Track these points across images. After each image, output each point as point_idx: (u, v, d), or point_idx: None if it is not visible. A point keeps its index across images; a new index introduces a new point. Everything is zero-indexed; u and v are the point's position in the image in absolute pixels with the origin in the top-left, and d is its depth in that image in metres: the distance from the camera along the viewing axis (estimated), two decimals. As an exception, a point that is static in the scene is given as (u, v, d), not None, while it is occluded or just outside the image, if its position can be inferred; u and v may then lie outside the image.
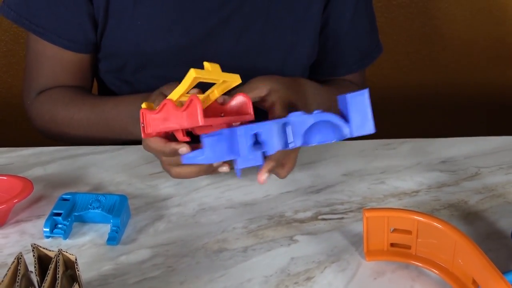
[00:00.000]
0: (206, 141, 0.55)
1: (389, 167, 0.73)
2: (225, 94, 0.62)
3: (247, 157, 0.56)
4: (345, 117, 0.57)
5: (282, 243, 0.60)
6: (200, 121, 0.55)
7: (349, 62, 0.89)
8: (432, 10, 1.50)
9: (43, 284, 0.45)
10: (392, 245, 0.58)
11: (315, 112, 0.58)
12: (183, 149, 0.58)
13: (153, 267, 0.56)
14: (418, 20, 1.50)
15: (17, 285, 0.45)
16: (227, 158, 0.56)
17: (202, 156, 0.55)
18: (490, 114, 1.51)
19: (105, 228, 0.61)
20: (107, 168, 0.72)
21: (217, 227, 0.62)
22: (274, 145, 0.55)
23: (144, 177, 0.70)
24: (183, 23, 0.79)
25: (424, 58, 1.53)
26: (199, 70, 0.56)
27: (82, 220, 0.62)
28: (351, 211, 0.65)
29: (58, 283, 0.45)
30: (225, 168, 0.61)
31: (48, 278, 0.45)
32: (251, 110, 0.62)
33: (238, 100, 0.62)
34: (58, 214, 0.60)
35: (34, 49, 0.83)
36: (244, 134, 0.54)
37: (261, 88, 0.66)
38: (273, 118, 0.64)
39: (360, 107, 0.56)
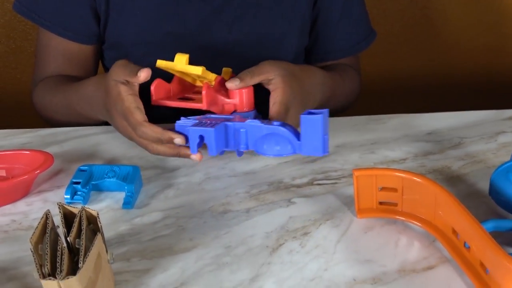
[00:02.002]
0: (176, 125, 0.68)
1: (379, 139, 0.79)
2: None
3: (195, 150, 0.65)
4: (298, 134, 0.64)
5: (281, 205, 0.66)
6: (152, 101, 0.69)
7: (345, 46, 0.95)
8: (423, 0, 1.56)
9: (70, 234, 0.51)
10: (380, 203, 0.64)
11: (275, 123, 0.64)
12: (178, 139, 0.65)
13: (165, 226, 0.62)
14: (409, 10, 1.56)
15: (47, 236, 0.51)
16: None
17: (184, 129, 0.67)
18: (476, 97, 1.57)
19: (120, 196, 0.68)
20: (119, 144, 0.78)
21: (222, 193, 0.68)
22: (213, 148, 0.64)
23: (154, 152, 0.76)
24: (178, 12, 0.85)
25: (417, 47, 1.59)
26: (160, 62, 0.68)
27: (99, 189, 0.68)
28: (343, 177, 0.71)
29: (83, 233, 0.51)
30: (194, 157, 0.67)
31: (74, 229, 0.51)
32: (204, 100, 0.68)
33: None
34: (77, 183, 0.66)
35: (41, 41, 0.90)
36: (192, 134, 0.64)
37: (269, 71, 0.72)
38: (274, 101, 0.70)
39: (312, 129, 0.62)
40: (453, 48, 1.60)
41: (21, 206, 0.66)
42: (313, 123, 0.61)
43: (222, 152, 0.73)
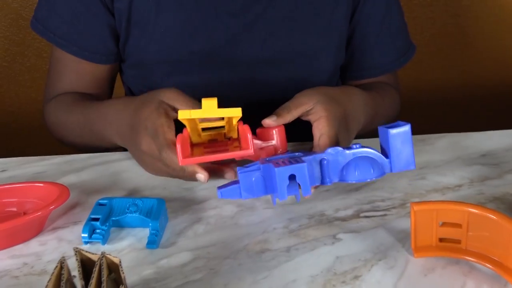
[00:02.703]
0: (240, 176, 0.58)
1: (428, 163, 0.71)
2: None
3: (284, 194, 0.57)
4: (384, 152, 0.58)
5: (326, 242, 0.58)
6: (180, 161, 0.58)
7: (384, 62, 0.88)
8: (454, 8, 1.48)
9: (88, 288, 0.44)
10: (440, 240, 0.56)
11: (354, 146, 0.58)
12: (202, 176, 0.60)
13: (195, 270, 0.55)
14: (440, 19, 1.48)
15: (62, 290, 0.44)
16: (263, 195, 0.59)
17: (238, 191, 0.59)
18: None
19: (143, 233, 0.60)
20: (141, 173, 0.71)
21: (257, 228, 0.61)
22: (308, 186, 0.56)
23: (179, 181, 0.69)
24: (205, 29, 0.78)
25: (448, 56, 1.51)
26: (187, 112, 0.57)
27: (120, 225, 0.61)
28: (393, 208, 0.63)
29: (103, 286, 0.44)
30: (201, 176, 0.62)
31: (93, 281, 0.44)
32: (251, 144, 0.60)
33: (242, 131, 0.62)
34: (96, 219, 0.59)
35: (55, 56, 0.84)
36: (281, 175, 0.56)
37: (307, 102, 0.65)
38: (320, 133, 0.63)
39: (401, 142, 0.58)
40: (486, 58, 1.51)
41: (33, 246, 0.59)
42: (403, 136, 0.57)
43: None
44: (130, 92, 0.89)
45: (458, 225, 0.54)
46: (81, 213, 0.64)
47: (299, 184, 0.57)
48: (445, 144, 0.75)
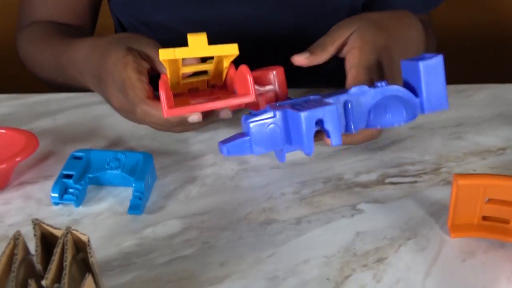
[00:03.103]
0: (253, 127, 0.47)
1: (465, 119, 0.60)
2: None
3: (311, 145, 0.46)
4: (413, 90, 0.47)
5: (344, 214, 0.48)
6: (165, 112, 0.47)
7: (416, 1, 0.74)
8: None
9: (45, 275, 0.34)
10: (484, 218, 0.46)
11: (380, 84, 0.47)
12: (194, 117, 0.48)
13: (186, 243, 0.46)
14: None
15: (13, 276, 0.34)
16: (281, 148, 0.49)
17: (248, 146, 0.48)
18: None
19: (126, 192, 0.51)
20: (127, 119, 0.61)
21: (262, 193, 0.51)
22: (339, 132, 0.46)
23: (171, 130, 0.59)
24: None
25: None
26: (170, 51, 0.45)
27: (98, 183, 0.51)
28: (425, 173, 0.53)
29: (65, 273, 0.34)
30: (195, 117, 0.50)
31: (52, 267, 0.35)
32: (251, 89, 0.49)
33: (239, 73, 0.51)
34: (69, 176, 0.49)
35: None
36: (308, 120, 0.45)
37: (344, 33, 0.52)
38: (350, 65, 0.51)
39: (433, 77, 0.47)
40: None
41: (-5, 204, 0.50)
42: (434, 69, 0.47)
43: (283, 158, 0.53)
44: (120, 25, 0.77)
45: (509, 203, 0.44)
46: (55, 166, 0.54)
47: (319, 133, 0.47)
48: (485, 97, 0.64)
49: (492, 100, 0.63)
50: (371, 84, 0.49)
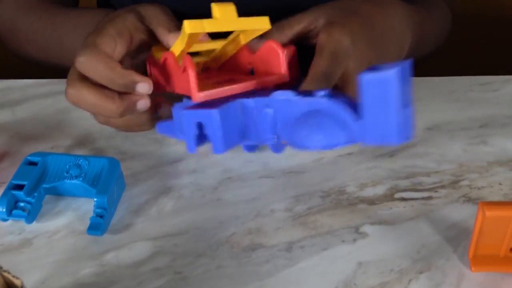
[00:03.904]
0: (175, 113, 0.42)
1: (491, 118, 0.52)
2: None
3: (193, 146, 0.40)
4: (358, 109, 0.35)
5: (344, 238, 0.41)
6: (194, 96, 0.39)
7: None
8: None
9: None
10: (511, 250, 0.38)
11: (319, 93, 0.37)
12: (145, 84, 0.40)
13: (154, 272, 0.38)
14: None
15: None
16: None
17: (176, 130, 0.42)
18: None
19: (89, 205, 0.43)
20: (97, 112, 0.53)
21: (249, 209, 0.43)
22: (218, 141, 0.38)
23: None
24: None
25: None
26: (198, 23, 0.36)
27: (56, 193, 0.44)
28: (441, 187, 0.45)
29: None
30: (146, 85, 0.40)
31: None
32: (283, 67, 0.41)
33: (266, 49, 0.42)
34: (20, 187, 0.42)
35: None
36: (188, 121, 0.39)
37: (308, 18, 0.44)
38: (315, 53, 0.43)
39: (380, 97, 0.33)
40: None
41: None
42: (381, 87, 0.33)
43: (250, 148, 0.46)
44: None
45: (546, 235, 0.36)
46: (9, 170, 0.46)
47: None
48: (513, 91, 0.55)
49: (522, 95, 0.55)
50: (336, 74, 0.41)
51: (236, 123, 0.39)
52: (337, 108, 0.36)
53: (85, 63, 0.39)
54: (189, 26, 0.37)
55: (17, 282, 0.30)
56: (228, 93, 0.40)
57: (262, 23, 0.41)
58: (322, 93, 0.37)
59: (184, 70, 0.39)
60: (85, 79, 0.40)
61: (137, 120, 0.43)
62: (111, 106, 0.39)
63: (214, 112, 0.37)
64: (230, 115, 0.39)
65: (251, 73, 0.44)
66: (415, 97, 0.53)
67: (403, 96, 0.33)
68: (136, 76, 0.39)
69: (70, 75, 0.41)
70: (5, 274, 0.30)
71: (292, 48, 0.44)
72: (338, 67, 0.42)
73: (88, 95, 0.40)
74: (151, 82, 0.40)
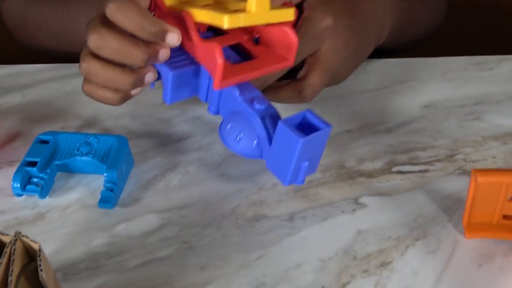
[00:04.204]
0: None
1: (485, 96, 0.54)
2: None
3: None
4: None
5: (344, 209, 0.43)
6: (216, 83, 0.39)
7: None
8: None
9: (-14, 292, 0.29)
10: (505, 217, 0.40)
11: (257, 105, 0.40)
12: (174, 35, 0.39)
13: (163, 242, 0.40)
14: None
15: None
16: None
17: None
18: None
19: (99, 181, 0.45)
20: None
21: (252, 182, 0.45)
22: (168, 93, 0.41)
23: (153, 108, 0.53)
24: None
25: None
26: (236, 18, 0.37)
27: (67, 170, 0.46)
28: (437, 160, 0.47)
29: (11, 285, 0.29)
30: (175, 36, 0.40)
31: (-5, 281, 0.29)
32: (292, 55, 0.41)
33: (281, 32, 0.42)
34: (33, 163, 0.44)
35: None
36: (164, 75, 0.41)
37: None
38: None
39: (285, 146, 0.38)
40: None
41: (-49, 194, 0.44)
42: (289, 141, 0.37)
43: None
44: None
45: (536, 201, 0.38)
46: (21, 149, 0.48)
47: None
48: (508, 70, 0.57)
49: (516, 74, 0.57)
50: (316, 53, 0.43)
51: (189, 83, 0.41)
52: (261, 127, 0.39)
53: (117, 9, 0.38)
54: (228, 21, 0.37)
55: (35, 246, 0.31)
56: (245, 79, 0.41)
57: (287, 15, 0.40)
58: (259, 106, 0.40)
59: (210, 49, 0.39)
60: (109, 25, 0.39)
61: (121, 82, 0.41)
62: (136, 52, 0.39)
63: (170, 74, 0.40)
64: (185, 77, 0.40)
65: (255, 41, 0.43)
66: (412, 76, 0.56)
67: (307, 154, 0.38)
68: (167, 26, 0.39)
69: (93, 22, 0.40)
70: (24, 238, 0.32)
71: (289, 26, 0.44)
72: (309, 47, 0.44)
73: (113, 40, 0.38)
74: (180, 34, 0.40)
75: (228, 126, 0.41)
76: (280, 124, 0.37)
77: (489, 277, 0.38)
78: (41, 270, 0.30)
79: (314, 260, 0.39)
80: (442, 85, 0.55)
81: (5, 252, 0.31)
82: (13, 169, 0.46)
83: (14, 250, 0.31)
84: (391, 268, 0.38)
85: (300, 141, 0.36)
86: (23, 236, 0.32)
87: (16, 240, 0.31)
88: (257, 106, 0.39)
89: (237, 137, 0.40)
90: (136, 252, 0.39)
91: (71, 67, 0.58)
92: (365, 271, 0.38)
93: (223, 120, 0.42)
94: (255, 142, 0.40)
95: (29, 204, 0.43)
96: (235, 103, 0.40)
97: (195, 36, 0.40)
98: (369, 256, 0.39)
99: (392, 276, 0.38)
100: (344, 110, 0.52)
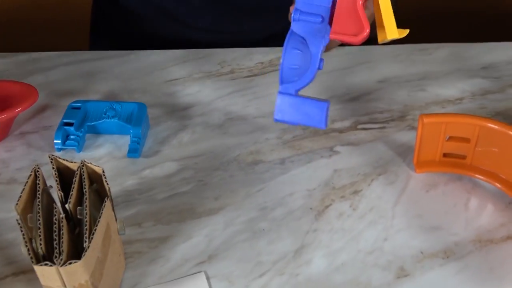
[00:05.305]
0: None
1: (427, 73, 0.67)
2: None
3: None
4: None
5: (323, 154, 0.54)
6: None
7: None
8: None
9: (68, 200, 0.39)
10: (445, 155, 0.52)
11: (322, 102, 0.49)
12: None
13: (183, 181, 0.50)
14: None
15: (38, 202, 0.38)
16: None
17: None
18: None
19: (122, 140, 0.55)
20: (117, 74, 0.64)
21: (248, 138, 0.56)
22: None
23: (160, 85, 0.63)
24: None
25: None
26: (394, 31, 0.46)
27: (96, 131, 0.55)
28: (392, 120, 0.59)
29: (86, 198, 0.39)
30: None
31: (74, 193, 0.39)
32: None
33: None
34: (70, 124, 0.53)
35: None
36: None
37: None
38: None
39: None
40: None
41: (-1, 151, 0.53)
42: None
43: None
44: None
45: (466, 140, 0.51)
46: (52, 117, 0.57)
47: None
48: (445, 54, 0.71)
49: (451, 57, 0.70)
50: None
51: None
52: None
53: None
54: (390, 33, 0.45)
55: (98, 169, 0.41)
56: None
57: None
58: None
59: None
60: None
61: None
62: None
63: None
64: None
65: None
66: (370, 59, 0.68)
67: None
68: None
69: None
70: (88, 164, 0.41)
71: None
72: None
73: None
74: None
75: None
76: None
77: (434, 199, 0.50)
78: (107, 184, 0.40)
79: (302, 190, 0.50)
80: (393, 66, 0.68)
81: (77, 174, 0.41)
82: (48, 132, 0.55)
83: (83, 172, 0.41)
84: (361, 195, 0.50)
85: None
86: (88, 162, 0.41)
87: (83, 165, 0.41)
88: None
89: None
90: (162, 188, 0.50)
91: (84, 54, 0.68)
92: (342, 196, 0.50)
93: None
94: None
95: (67, 157, 0.52)
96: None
97: None
98: (344, 187, 0.51)
99: (362, 200, 0.49)
100: (319, 85, 0.63)
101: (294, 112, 0.49)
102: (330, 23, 0.47)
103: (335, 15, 0.46)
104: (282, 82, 0.49)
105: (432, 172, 0.52)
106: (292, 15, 0.47)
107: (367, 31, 0.45)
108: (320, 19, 0.47)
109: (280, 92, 0.49)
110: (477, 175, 0.51)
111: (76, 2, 1.06)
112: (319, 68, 0.48)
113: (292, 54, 0.49)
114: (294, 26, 0.48)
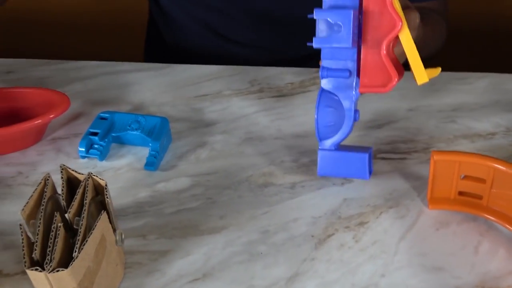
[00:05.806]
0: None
1: (462, 105, 0.65)
2: None
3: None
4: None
5: (335, 182, 0.54)
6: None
7: None
8: None
9: (68, 210, 0.41)
10: (460, 193, 0.51)
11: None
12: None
13: (192, 197, 0.52)
14: None
15: (42, 209, 0.41)
16: None
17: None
18: None
19: (144, 152, 0.57)
20: (150, 87, 0.67)
21: (264, 159, 0.57)
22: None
23: (189, 99, 0.65)
24: None
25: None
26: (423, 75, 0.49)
27: (120, 142, 0.58)
28: (415, 151, 0.58)
29: (85, 209, 0.41)
30: None
31: (75, 203, 0.42)
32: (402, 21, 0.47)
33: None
34: (95, 134, 0.56)
35: None
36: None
37: None
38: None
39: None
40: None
41: (31, 154, 0.57)
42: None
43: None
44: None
45: (482, 180, 0.49)
46: (84, 125, 0.61)
47: None
48: (485, 85, 0.68)
49: (491, 88, 0.67)
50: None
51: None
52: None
53: None
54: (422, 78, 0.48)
55: (102, 182, 0.44)
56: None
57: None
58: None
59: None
60: None
61: None
62: None
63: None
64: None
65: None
66: (404, 85, 0.67)
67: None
68: None
69: None
70: (94, 177, 0.44)
71: None
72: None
73: None
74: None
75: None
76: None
77: (442, 238, 0.48)
78: (107, 197, 0.43)
79: (307, 217, 0.50)
80: (427, 94, 0.66)
81: (81, 186, 0.43)
82: (77, 139, 0.58)
83: (88, 184, 0.43)
84: (367, 226, 0.49)
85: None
86: (94, 175, 0.44)
87: (89, 177, 0.43)
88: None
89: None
90: (172, 203, 0.51)
91: (123, 65, 0.71)
92: (347, 227, 0.49)
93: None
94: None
95: (90, 165, 0.56)
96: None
97: None
98: (351, 217, 0.50)
99: (367, 232, 0.49)
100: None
101: (336, 167, 0.52)
102: (358, 74, 0.48)
103: (361, 67, 0.48)
104: (320, 139, 0.52)
105: (447, 210, 0.51)
106: (320, 73, 0.49)
107: (395, 80, 0.46)
108: (348, 74, 0.48)
109: (320, 149, 0.52)
110: (492, 217, 0.49)
111: (135, 11, 1.11)
112: (355, 120, 0.51)
113: (325, 112, 0.52)
114: (323, 83, 0.50)
